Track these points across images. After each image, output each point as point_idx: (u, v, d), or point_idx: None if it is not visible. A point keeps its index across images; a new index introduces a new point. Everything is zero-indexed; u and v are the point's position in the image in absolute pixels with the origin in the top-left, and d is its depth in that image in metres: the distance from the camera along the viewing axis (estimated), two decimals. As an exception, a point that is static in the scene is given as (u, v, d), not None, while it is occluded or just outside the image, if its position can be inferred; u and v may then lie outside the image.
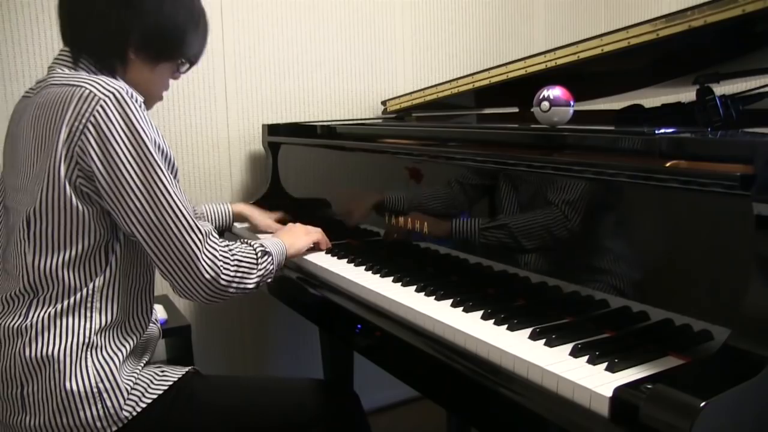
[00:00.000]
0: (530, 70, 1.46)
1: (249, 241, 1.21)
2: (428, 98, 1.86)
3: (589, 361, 0.84)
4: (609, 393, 0.75)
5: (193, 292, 1.08)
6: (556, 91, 1.12)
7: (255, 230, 1.68)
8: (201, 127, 1.99)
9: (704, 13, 1.11)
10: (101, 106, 1.03)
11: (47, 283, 1.07)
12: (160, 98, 1.25)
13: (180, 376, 1.17)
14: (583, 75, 1.52)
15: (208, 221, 1.61)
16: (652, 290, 0.91)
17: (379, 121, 2.13)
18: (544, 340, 0.92)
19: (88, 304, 1.08)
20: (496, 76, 1.57)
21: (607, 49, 1.28)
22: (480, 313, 1.04)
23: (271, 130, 1.97)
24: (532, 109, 1.16)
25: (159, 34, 1.15)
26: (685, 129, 0.96)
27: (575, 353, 0.87)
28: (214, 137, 2.01)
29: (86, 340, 1.07)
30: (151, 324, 1.21)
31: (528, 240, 1.10)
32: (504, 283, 1.13)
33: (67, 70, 1.12)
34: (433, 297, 1.13)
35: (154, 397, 1.11)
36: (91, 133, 1.02)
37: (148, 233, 1.05)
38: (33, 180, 1.07)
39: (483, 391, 0.91)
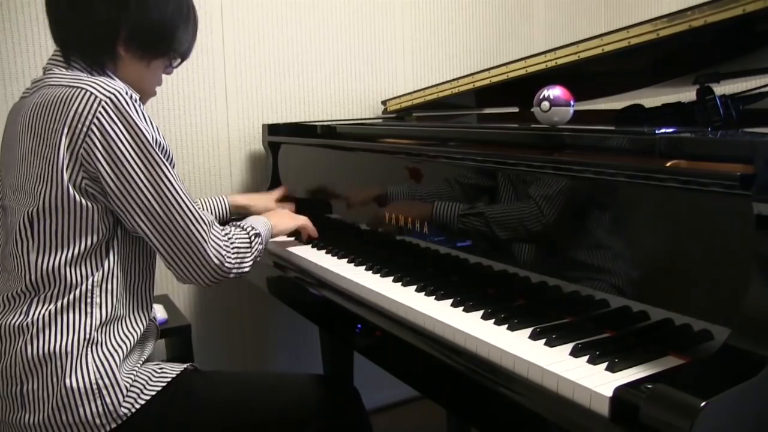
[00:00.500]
0: (530, 69, 1.46)
1: (240, 224, 1.28)
2: (428, 98, 1.87)
3: (589, 361, 0.84)
4: (609, 393, 0.75)
5: (200, 277, 1.15)
6: (556, 91, 1.12)
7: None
8: (201, 126, 1.99)
9: (704, 13, 1.11)
10: (103, 108, 1.03)
11: (49, 281, 1.07)
12: (154, 94, 1.26)
13: (178, 372, 1.17)
14: (584, 75, 1.52)
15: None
16: (652, 290, 0.91)
17: (380, 120, 2.13)
18: (544, 340, 0.92)
19: (89, 299, 1.09)
20: (496, 75, 1.57)
21: (607, 48, 1.28)
22: (480, 312, 1.04)
23: (272, 129, 1.97)
24: (532, 109, 1.16)
25: (148, 30, 1.15)
26: (685, 129, 0.96)
27: (575, 353, 0.87)
28: (214, 137, 2.01)
29: (87, 336, 1.07)
30: (149, 322, 1.21)
31: (528, 239, 1.10)
32: (504, 283, 1.13)
33: (63, 70, 1.12)
34: (434, 297, 1.13)
35: (153, 393, 1.12)
36: (95, 135, 1.03)
37: (156, 227, 1.09)
38: (33, 181, 1.07)
39: (483, 390, 0.91)
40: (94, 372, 1.06)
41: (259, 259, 1.26)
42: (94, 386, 1.06)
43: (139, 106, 1.08)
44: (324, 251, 1.51)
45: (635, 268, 0.93)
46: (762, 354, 0.72)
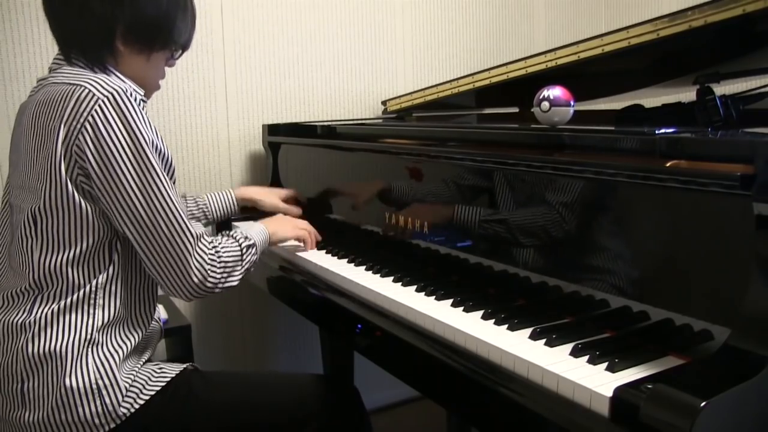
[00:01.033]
0: (530, 70, 1.46)
1: (233, 234, 1.23)
2: (428, 98, 1.86)
3: (589, 361, 0.84)
4: (609, 393, 0.75)
5: (179, 292, 1.11)
6: (556, 91, 1.12)
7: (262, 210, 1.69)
8: (201, 127, 1.99)
9: (704, 13, 1.11)
10: (99, 106, 1.03)
11: (52, 280, 1.07)
12: (157, 87, 1.24)
13: (178, 372, 1.17)
14: (584, 75, 1.52)
15: (212, 211, 1.60)
16: (652, 290, 0.91)
17: (380, 121, 2.13)
18: (544, 340, 0.92)
19: (92, 301, 1.09)
20: (496, 76, 1.57)
21: (607, 49, 1.28)
22: (480, 312, 1.04)
23: (272, 130, 1.97)
24: (532, 109, 1.16)
25: (145, 23, 1.14)
26: (685, 129, 0.96)
27: (575, 353, 0.87)
28: (214, 137, 2.01)
29: (88, 337, 1.07)
30: (153, 322, 1.21)
31: (528, 239, 1.10)
32: (504, 283, 1.13)
33: (67, 68, 1.12)
34: (434, 297, 1.13)
35: (152, 393, 1.12)
36: (88, 132, 1.03)
37: (140, 233, 1.07)
38: (35, 178, 1.07)
39: (483, 390, 0.91)
40: (94, 372, 1.06)
41: (252, 270, 1.24)
42: (94, 386, 1.06)
43: (140, 106, 1.07)
44: (324, 251, 1.51)
45: (635, 268, 0.93)
46: (762, 354, 0.72)
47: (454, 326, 0.99)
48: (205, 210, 1.58)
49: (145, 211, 1.06)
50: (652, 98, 1.73)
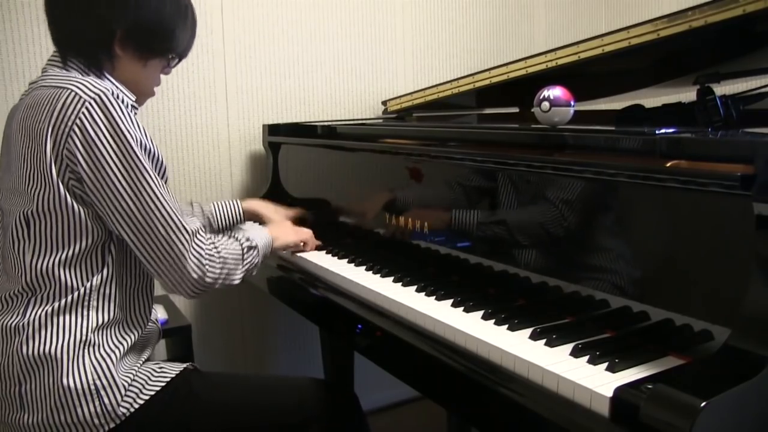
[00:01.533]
0: (531, 70, 1.46)
1: (235, 235, 1.24)
2: (429, 98, 1.86)
3: (589, 361, 0.84)
4: (609, 393, 0.75)
5: (178, 288, 1.11)
6: (556, 91, 1.12)
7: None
8: (201, 127, 1.99)
9: (705, 13, 1.11)
10: (86, 108, 1.03)
11: (45, 282, 1.07)
12: (152, 94, 1.24)
13: (178, 372, 1.17)
14: (584, 75, 1.52)
15: (217, 220, 1.59)
16: (652, 290, 0.91)
17: (380, 121, 2.13)
18: (544, 340, 0.92)
19: (86, 303, 1.09)
20: (496, 76, 1.57)
21: (607, 49, 1.28)
22: (480, 313, 1.04)
23: (272, 130, 1.97)
24: (532, 109, 1.16)
25: (146, 29, 1.13)
26: (685, 129, 0.96)
27: (576, 353, 0.87)
28: (214, 137, 2.01)
29: (84, 338, 1.07)
30: (150, 323, 1.21)
31: (528, 240, 1.10)
32: (504, 283, 1.13)
33: (58, 71, 1.12)
34: (434, 297, 1.13)
35: (152, 393, 1.12)
36: (76, 135, 1.03)
37: (135, 234, 1.07)
38: (26, 182, 1.07)
39: (483, 391, 0.91)
40: (91, 372, 1.06)
41: (254, 272, 1.24)
42: (92, 386, 1.06)
43: (127, 108, 1.07)
44: (324, 251, 1.51)
45: (636, 268, 0.93)
46: (762, 354, 0.72)
47: (454, 326, 0.99)
48: (210, 218, 1.57)
49: (138, 212, 1.06)
50: (652, 98, 1.73)
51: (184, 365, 1.20)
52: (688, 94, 1.48)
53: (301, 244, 1.51)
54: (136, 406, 1.09)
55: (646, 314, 0.90)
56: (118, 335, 1.13)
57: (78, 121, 1.03)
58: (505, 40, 2.50)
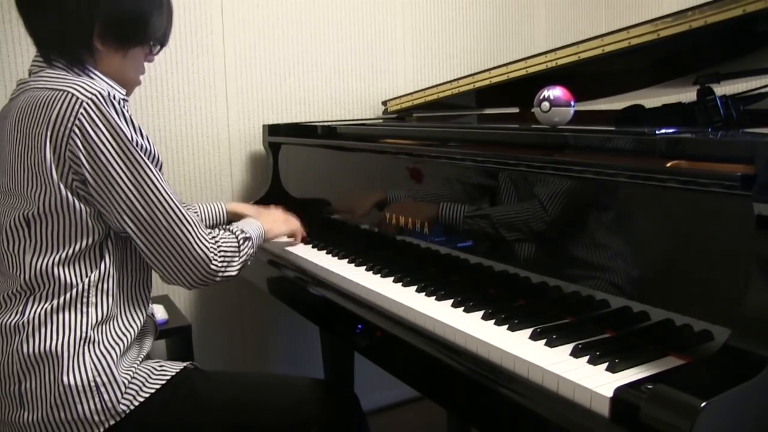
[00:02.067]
0: (531, 70, 1.46)
1: (230, 228, 1.26)
2: (429, 98, 1.87)
3: (589, 362, 0.84)
4: (609, 393, 0.75)
5: (184, 278, 1.13)
6: (556, 92, 1.12)
7: None
8: (201, 127, 1.99)
9: (705, 13, 1.11)
10: (85, 109, 1.04)
11: (44, 280, 1.08)
12: (138, 82, 1.24)
13: (178, 370, 1.17)
14: (584, 75, 1.52)
15: (202, 219, 1.60)
16: (652, 290, 0.91)
17: (380, 121, 2.13)
18: (544, 341, 0.92)
19: (84, 299, 1.09)
20: (496, 76, 1.57)
21: (607, 49, 1.28)
22: (481, 313, 1.04)
23: (272, 130, 1.98)
24: (532, 110, 1.16)
25: (122, 20, 1.13)
26: (685, 129, 0.96)
27: (576, 353, 0.87)
28: (214, 137, 2.01)
29: (83, 335, 1.08)
30: (146, 318, 1.22)
31: (529, 240, 1.10)
32: (505, 283, 1.13)
33: (47, 71, 1.12)
34: (434, 297, 1.13)
35: (152, 391, 1.12)
36: (77, 137, 1.04)
37: (140, 228, 1.09)
38: (24, 184, 1.07)
39: (483, 391, 0.91)
40: (91, 369, 1.07)
41: (249, 263, 1.25)
42: (92, 383, 1.06)
43: (122, 107, 1.07)
44: (324, 251, 1.51)
45: (636, 268, 0.93)
46: (762, 354, 0.72)
47: (454, 326, 0.99)
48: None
49: (143, 207, 1.08)
50: (652, 98, 1.73)
51: (185, 364, 1.20)
52: (688, 94, 1.49)
53: (292, 238, 1.54)
54: (136, 403, 1.10)
55: (647, 314, 0.90)
56: (117, 331, 1.13)
57: (77, 122, 1.03)
58: (505, 41, 2.50)
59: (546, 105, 1.12)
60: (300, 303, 1.56)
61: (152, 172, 1.09)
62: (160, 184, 1.09)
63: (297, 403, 1.26)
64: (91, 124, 1.04)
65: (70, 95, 1.04)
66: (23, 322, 1.07)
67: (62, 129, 1.03)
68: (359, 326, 1.23)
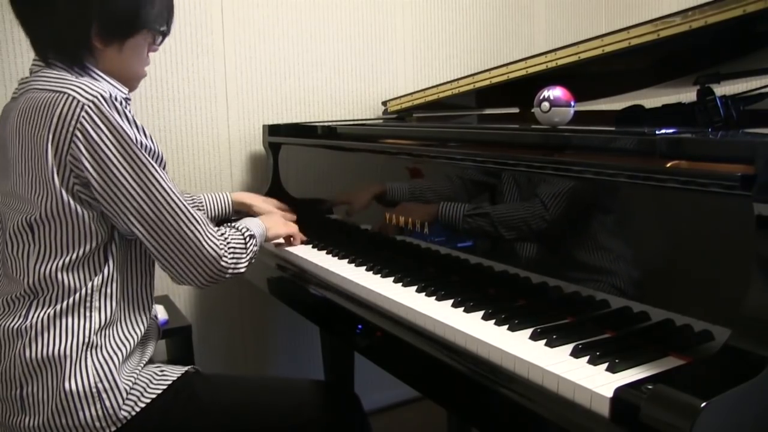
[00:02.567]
0: (531, 70, 1.46)
1: (236, 225, 1.27)
2: (429, 98, 1.86)
3: (589, 362, 0.84)
4: (610, 393, 0.75)
5: (195, 276, 1.13)
6: (556, 92, 1.12)
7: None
8: (201, 127, 1.99)
9: (705, 13, 1.11)
10: (86, 112, 1.03)
11: (48, 285, 1.07)
12: (143, 75, 1.21)
13: (179, 375, 1.17)
14: (584, 75, 1.52)
15: (208, 210, 1.61)
16: (652, 290, 0.91)
17: (380, 121, 2.13)
18: (544, 341, 0.92)
19: (87, 304, 1.09)
20: (496, 76, 1.57)
21: (608, 49, 1.28)
22: (481, 313, 1.04)
23: (272, 130, 1.97)
24: (532, 110, 1.16)
25: (117, 15, 1.11)
26: (685, 129, 0.96)
27: (576, 353, 0.87)
28: (214, 137, 2.01)
29: (86, 340, 1.07)
30: (149, 322, 1.21)
31: (529, 240, 1.10)
32: (505, 284, 1.13)
33: (48, 72, 1.10)
34: (434, 297, 1.13)
35: (153, 396, 1.12)
36: (80, 140, 1.03)
37: (148, 230, 1.09)
38: (27, 188, 1.07)
39: (484, 391, 0.91)
40: (93, 375, 1.06)
41: (254, 260, 1.25)
42: (94, 389, 1.06)
43: (124, 107, 1.06)
44: (324, 252, 1.51)
45: (636, 268, 0.93)
46: (762, 354, 0.72)
47: (454, 327, 0.99)
48: (200, 208, 1.59)
49: (150, 208, 1.08)
50: (652, 98, 1.73)
51: (186, 368, 1.20)
52: (688, 94, 1.49)
53: (291, 239, 1.55)
54: (138, 409, 1.09)
55: (647, 314, 0.90)
56: (120, 336, 1.13)
57: (79, 125, 1.02)
58: (505, 41, 2.50)
59: (546, 105, 1.12)
60: (300, 303, 1.56)
61: (157, 172, 1.08)
62: (166, 183, 1.09)
63: (297, 405, 1.26)
64: (94, 127, 1.03)
65: (71, 98, 1.03)
66: (26, 327, 1.06)
67: (64, 133, 1.03)
68: (359, 326, 1.23)
